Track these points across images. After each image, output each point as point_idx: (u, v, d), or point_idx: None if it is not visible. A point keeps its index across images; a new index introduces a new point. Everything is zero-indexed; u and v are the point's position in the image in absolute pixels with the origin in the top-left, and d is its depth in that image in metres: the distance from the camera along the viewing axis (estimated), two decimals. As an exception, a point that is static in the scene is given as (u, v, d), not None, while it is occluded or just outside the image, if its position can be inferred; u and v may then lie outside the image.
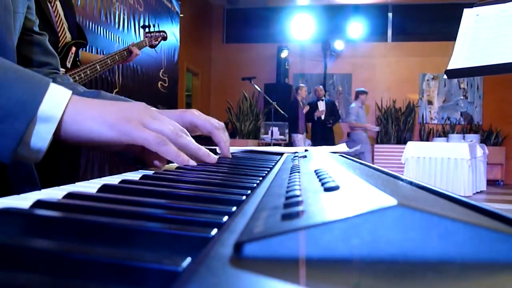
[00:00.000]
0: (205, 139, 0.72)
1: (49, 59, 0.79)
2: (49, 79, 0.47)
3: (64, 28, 2.11)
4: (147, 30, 2.99)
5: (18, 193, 0.34)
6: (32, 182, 0.66)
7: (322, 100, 7.31)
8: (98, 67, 2.27)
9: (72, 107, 0.47)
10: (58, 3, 2.09)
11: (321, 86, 7.60)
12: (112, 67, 2.53)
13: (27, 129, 0.43)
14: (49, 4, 2.02)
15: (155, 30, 3.03)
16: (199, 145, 0.57)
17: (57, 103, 0.46)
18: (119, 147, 0.55)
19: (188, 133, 0.57)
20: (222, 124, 0.73)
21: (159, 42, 2.94)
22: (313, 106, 7.28)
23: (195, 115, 0.69)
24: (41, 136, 0.45)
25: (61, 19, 2.10)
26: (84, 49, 2.44)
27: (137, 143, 0.49)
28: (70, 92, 0.48)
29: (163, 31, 2.99)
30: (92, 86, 2.95)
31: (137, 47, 2.66)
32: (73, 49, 2.11)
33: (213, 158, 0.59)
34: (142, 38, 2.97)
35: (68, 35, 2.13)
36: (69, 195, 0.30)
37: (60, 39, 2.08)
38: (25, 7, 0.71)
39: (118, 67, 4.18)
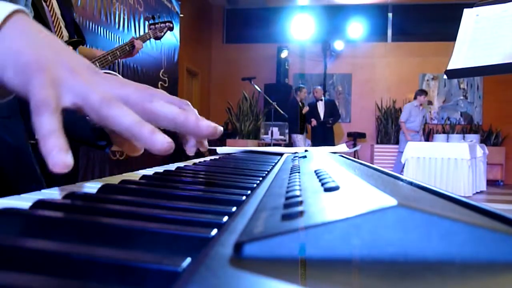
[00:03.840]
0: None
1: None
2: None
3: (60, 27, 2.10)
4: (151, 21, 2.80)
5: (23, 191, 0.34)
6: (37, 180, 0.66)
7: (321, 100, 7.31)
8: (97, 64, 2.26)
9: (7, 29, 0.35)
10: (54, 1, 2.09)
11: (320, 87, 7.58)
12: (112, 64, 2.50)
13: None
14: (44, 4, 2.02)
15: (160, 21, 2.81)
16: (180, 111, 0.38)
17: None
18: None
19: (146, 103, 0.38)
20: (187, 101, 0.63)
21: (164, 33, 2.75)
22: (313, 107, 7.28)
23: (159, 91, 0.60)
24: None
25: (57, 18, 2.09)
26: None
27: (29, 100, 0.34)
28: (13, 7, 0.36)
29: (169, 21, 2.81)
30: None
31: (140, 40, 2.58)
32: (70, 48, 2.11)
33: (209, 125, 0.38)
34: (146, 31, 2.84)
35: (65, 33, 2.13)
36: (70, 195, 0.30)
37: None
38: (25, 0, 0.70)
39: (118, 67, 4.18)
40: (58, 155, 0.29)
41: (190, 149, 0.58)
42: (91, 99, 0.34)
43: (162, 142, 0.33)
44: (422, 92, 7.04)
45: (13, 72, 0.34)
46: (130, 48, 2.48)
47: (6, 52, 0.34)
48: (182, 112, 0.37)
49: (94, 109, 0.34)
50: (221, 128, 0.39)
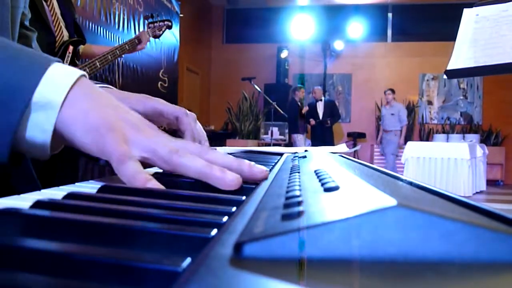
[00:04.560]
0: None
1: None
2: (52, 57, 0.39)
3: (60, 27, 2.10)
4: (150, 20, 2.82)
5: (20, 192, 0.34)
6: (33, 183, 0.66)
7: (321, 100, 7.31)
8: (97, 63, 2.26)
9: (73, 94, 0.38)
10: (54, 1, 2.08)
11: (319, 87, 7.58)
12: (112, 64, 2.49)
13: (21, 119, 0.36)
14: (44, 3, 2.02)
15: (159, 19, 2.85)
16: (234, 158, 0.42)
17: (57, 87, 0.37)
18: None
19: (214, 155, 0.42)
20: (193, 114, 0.64)
21: (163, 32, 2.76)
22: (312, 107, 7.28)
23: (160, 101, 0.61)
24: (41, 127, 0.37)
25: (57, 18, 2.09)
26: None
27: (105, 157, 0.39)
28: (78, 73, 0.39)
29: (168, 20, 2.83)
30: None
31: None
32: (70, 48, 2.11)
33: (262, 170, 0.42)
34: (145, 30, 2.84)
35: (66, 33, 2.13)
36: (69, 196, 0.30)
37: (57, 38, 2.07)
38: (24, 1, 0.70)
39: (118, 67, 4.18)
40: (152, 183, 0.36)
41: None
42: (159, 152, 0.39)
43: (232, 179, 0.37)
44: (388, 90, 7.06)
45: (83, 132, 0.38)
46: (129, 47, 2.47)
47: (75, 114, 0.38)
48: (236, 160, 0.41)
49: (164, 160, 0.39)
50: (268, 171, 0.43)
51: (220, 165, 0.40)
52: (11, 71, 0.36)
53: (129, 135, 0.39)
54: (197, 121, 0.64)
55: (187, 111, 0.63)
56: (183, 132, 0.62)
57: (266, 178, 0.42)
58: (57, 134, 0.38)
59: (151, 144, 0.39)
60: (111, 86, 0.64)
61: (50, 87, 0.37)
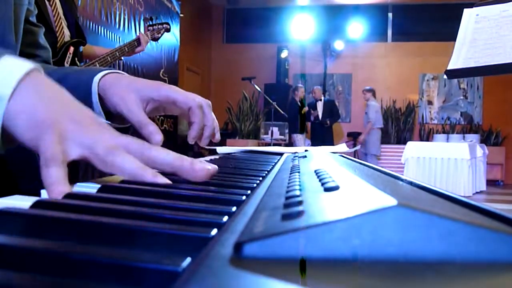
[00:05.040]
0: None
1: (38, 51, 0.75)
2: (4, 50, 0.39)
3: (62, 27, 2.10)
4: (149, 23, 2.87)
5: (24, 190, 0.34)
6: (37, 179, 0.66)
7: (320, 100, 7.31)
8: (97, 65, 2.27)
9: (23, 87, 0.37)
10: (57, 1, 2.08)
11: (319, 87, 7.58)
12: (113, 65, 2.50)
13: None
14: (47, 3, 2.02)
15: (158, 22, 2.88)
16: (177, 156, 0.41)
17: (6, 79, 0.37)
18: None
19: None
20: (208, 101, 0.63)
21: (162, 35, 2.79)
22: (312, 107, 7.29)
23: (173, 88, 0.60)
24: None
25: (60, 18, 2.09)
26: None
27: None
28: (29, 66, 0.39)
29: (166, 23, 2.86)
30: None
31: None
32: (71, 48, 2.11)
33: (203, 168, 0.40)
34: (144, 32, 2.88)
35: (67, 33, 2.13)
36: (69, 195, 0.30)
37: (59, 39, 2.07)
38: None
39: (119, 67, 4.18)
40: (63, 190, 0.33)
41: (204, 141, 0.62)
42: (96, 150, 0.37)
43: (164, 183, 0.37)
44: (365, 89, 7.09)
45: (26, 127, 0.37)
46: (129, 50, 2.49)
47: (20, 109, 0.37)
48: (178, 158, 0.40)
49: (100, 159, 0.38)
50: (216, 167, 0.41)
51: (161, 164, 0.40)
52: None
53: (69, 132, 0.38)
54: (211, 109, 0.63)
55: (202, 99, 0.61)
56: (192, 124, 0.61)
57: (210, 177, 0.40)
58: (5, 128, 0.38)
59: (90, 142, 0.38)
60: (122, 72, 0.63)
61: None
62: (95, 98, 0.59)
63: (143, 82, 0.60)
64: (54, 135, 0.37)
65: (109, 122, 0.60)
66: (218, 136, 0.65)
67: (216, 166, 0.42)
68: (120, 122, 0.62)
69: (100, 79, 0.59)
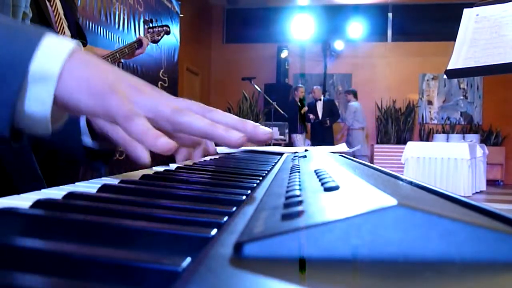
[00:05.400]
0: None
1: None
2: (45, 29, 0.39)
3: (63, 27, 2.10)
4: (149, 25, 2.88)
5: (24, 190, 0.34)
6: (38, 179, 0.66)
7: (320, 100, 7.30)
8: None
9: (71, 64, 0.38)
10: (57, 1, 2.08)
11: (318, 87, 7.57)
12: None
13: (19, 92, 0.36)
14: (48, 3, 2.02)
15: (157, 24, 2.89)
16: (238, 119, 0.42)
17: (53, 58, 0.37)
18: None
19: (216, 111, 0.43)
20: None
21: (161, 37, 2.80)
22: (312, 107, 7.29)
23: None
24: (40, 99, 0.37)
25: (60, 18, 2.09)
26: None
27: (111, 117, 0.38)
28: (72, 43, 0.39)
29: (166, 25, 2.87)
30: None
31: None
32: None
33: (266, 132, 0.42)
34: (143, 35, 2.89)
35: (68, 33, 2.13)
36: (69, 195, 0.30)
37: None
38: (25, 0, 0.70)
39: (119, 67, 4.18)
40: (164, 140, 0.36)
41: (197, 156, 0.61)
42: (162, 111, 0.39)
43: (238, 137, 0.38)
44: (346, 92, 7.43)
45: (87, 96, 0.38)
46: (129, 51, 2.49)
47: (76, 82, 0.38)
48: (240, 120, 0.42)
49: (167, 119, 0.39)
50: (274, 132, 0.42)
51: (224, 124, 0.40)
52: (6, 45, 0.36)
53: (131, 96, 0.39)
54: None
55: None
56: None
57: (270, 140, 0.42)
58: (58, 105, 0.38)
59: (154, 104, 0.39)
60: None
61: (46, 58, 0.37)
62: (82, 122, 0.59)
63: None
64: (121, 97, 0.38)
65: (95, 143, 0.59)
66: (213, 149, 0.65)
67: (271, 131, 0.43)
68: (106, 144, 0.61)
69: None
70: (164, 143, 0.36)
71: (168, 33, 2.88)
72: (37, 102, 0.37)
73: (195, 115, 0.39)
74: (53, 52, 0.37)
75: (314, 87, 7.62)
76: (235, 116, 0.42)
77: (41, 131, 0.39)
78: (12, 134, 0.37)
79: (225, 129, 0.38)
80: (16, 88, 0.35)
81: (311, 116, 7.18)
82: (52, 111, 0.38)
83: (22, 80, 0.36)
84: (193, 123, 0.38)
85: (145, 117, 0.38)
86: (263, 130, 0.41)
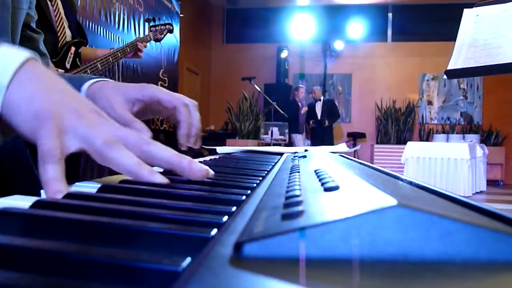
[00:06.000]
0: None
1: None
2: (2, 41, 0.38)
3: (64, 28, 2.10)
4: (151, 24, 2.88)
5: (23, 190, 0.34)
6: (35, 181, 0.66)
7: (320, 100, 7.31)
8: (99, 65, 2.27)
9: (22, 75, 0.37)
10: (59, 1, 2.09)
11: (318, 88, 7.58)
12: (112, 66, 2.51)
13: None
14: (49, 3, 2.02)
15: (160, 23, 2.90)
16: (174, 153, 0.40)
17: (3, 68, 0.36)
18: None
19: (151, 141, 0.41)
20: (194, 102, 0.62)
21: (164, 36, 2.82)
22: (312, 107, 7.29)
23: (158, 89, 0.60)
24: None
25: (61, 18, 2.09)
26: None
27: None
28: (26, 54, 0.38)
29: (169, 24, 2.88)
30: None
31: (142, 42, 2.60)
32: (72, 49, 2.11)
33: (202, 169, 0.40)
34: (147, 33, 2.89)
35: (68, 33, 2.13)
36: (69, 195, 0.30)
37: (60, 38, 2.07)
38: (29, 3, 0.70)
39: (118, 67, 4.18)
40: (58, 197, 0.32)
41: (191, 140, 0.62)
42: (93, 143, 0.37)
43: (160, 181, 0.36)
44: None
45: (24, 119, 0.36)
46: (131, 50, 2.50)
47: (19, 99, 0.36)
48: (177, 155, 0.40)
49: (97, 152, 0.37)
50: (212, 172, 0.41)
51: (159, 160, 0.39)
52: None
53: (68, 122, 0.37)
54: (197, 109, 0.63)
55: (187, 99, 0.62)
56: (179, 123, 0.60)
57: (206, 177, 0.40)
58: (2, 119, 0.37)
59: (88, 134, 0.37)
60: (107, 79, 0.64)
61: None
62: None
63: (128, 84, 0.61)
64: (53, 128, 0.36)
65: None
66: (195, 142, 0.63)
67: (212, 171, 0.42)
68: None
69: (88, 87, 0.59)
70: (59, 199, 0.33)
71: (171, 31, 2.89)
72: None
73: (124, 151, 0.37)
74: (4, 63, 0.36)
75: (314, 87, 7.62)
76: (173, 151, 0.40)
77: None
78: None
79: (150, 172, 0.37)
80: None
81: (311, 122, 7.19)
82: (1, 123, 0.37)
83: None
84: (119, 160, 0.37)
85: (78, 148, 0.37)
86: (199, 167, 0.40)
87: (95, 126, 0.38)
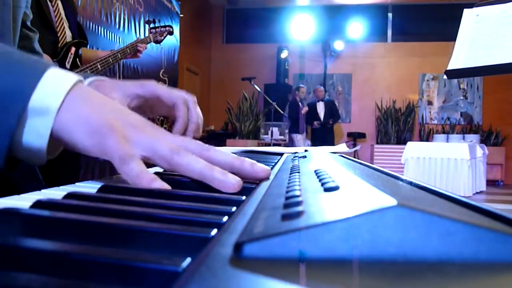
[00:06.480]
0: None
1: None
2: (48, 63, 0.39)
3: (64, 28, 2.10)
4: (152, 25, 2.91)
5: (23, 190, 0.34)
6: (36, 179, 0.66)
7: (322, 100, 7.31)
8: (99, 66, 2.27)
9: (71, 99, 0.38)
10: (59, 1, 2.09)
11: (321, 87, 7.59)
12: (113, 66, 2.52)
13: (18, 124, 0.36)
14: (49, 3, 2.02)
15: (160, 25, 2.93)
16: (235, 157, 0.42)
17: (54, 92, 0.37)
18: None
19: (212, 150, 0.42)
20: (193, 97, 0.63)
21: (164, 37, 2.83)
22: (312, 107, 7.29)
23: (158, 85, 0.61)
24: (38, 132, 0.37)
25: (61, 18, 2.09)
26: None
27: (107, 158, 0.38)
28: (75, 78, 0.39)
29: (169, 26, 2.90)
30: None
31: (142, 43, 2.61)
32: (73, 49, 2.11)
33: (264, 169, 0.42)
34: (146, 35, 2.90)
35: (69, 34, 2.13)
36: (69, 195, 0.30)
37: (60, 39, 2.07)
38: (25, 1, 0.70)
39: (119, 67, 4.18)
40: (158, 184, 0.36)
41: (188, 136, 0.61)
42: (160, 151, 0.39)
43: (233, 183, 0.36)
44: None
45: (85, 135, 0.38)
46: (131, 51, 2.51)
47: (73, 119, 0.38)
48: (237, 158, 0.41)
49: (165, 159, 0.39)
50: (269, 171, 0.43)
51: (221, 164, 0.39)
52: (9, 76, 0.36)
53: (130, 134, 0.39)
54: (197, 105, 0.63)
55: (188, 95, 0.62)
56: (177, 119, 0.61)
57: (268, 177, 0.41)
58: (54, 139, 0.38)
59: (152, 143, 0.39)
60: (103, 78, 0.64)
61: (47, 92, 0.37)
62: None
63: (128, 81, 0.61)
64: (119, 138, 0.38)
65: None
66: (200, 133, 0.64)
67: (269, 168, 0.43)
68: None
69: (87, 85, 0.59)
70: (158, 187, 0.36)
71: (171, 33, 2.90)
72: (35, 135, 0.37)
73: (192, 156, 0.39)
74: (54, 86, 0.37)
75: (318, 86, 7.63)
76: (233, 154, 0.42)
77: (36, 161, 0.39)
78: (7, 163, 0.37)
79: (222, 173, 0.37)
80: (15, 120, 0.36)
81: (315, 123, 7.20)
82: (49, 143, 0.38)
83: (22, 112, 0.36)
84: (190, 166, 0.38)
85: (142, 157, 0.39)
86: (261, 168, 0.41)
87: (156, 137, 0.40)
